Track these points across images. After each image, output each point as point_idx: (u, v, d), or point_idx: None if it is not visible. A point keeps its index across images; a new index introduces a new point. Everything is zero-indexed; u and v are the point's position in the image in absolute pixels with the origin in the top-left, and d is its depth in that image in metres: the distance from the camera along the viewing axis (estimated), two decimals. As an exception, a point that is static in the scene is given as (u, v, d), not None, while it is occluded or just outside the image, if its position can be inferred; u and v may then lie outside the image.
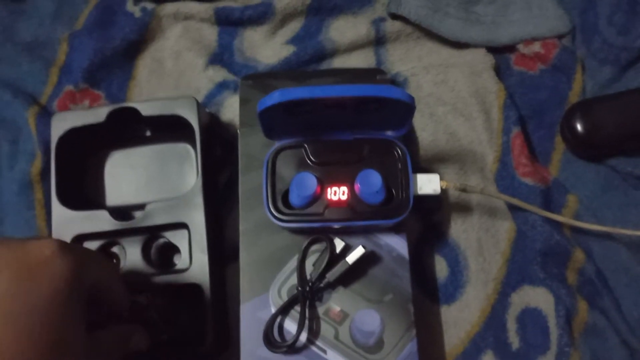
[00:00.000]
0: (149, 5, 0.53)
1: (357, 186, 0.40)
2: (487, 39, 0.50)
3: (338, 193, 0.40)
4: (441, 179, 0.41)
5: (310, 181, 0.40)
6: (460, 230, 0.46)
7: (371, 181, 0.39)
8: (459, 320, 0.45)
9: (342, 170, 0.41)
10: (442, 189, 0.41)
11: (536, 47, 0.50)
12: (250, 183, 0.44)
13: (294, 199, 0.40)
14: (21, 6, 0.55)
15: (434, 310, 0.45)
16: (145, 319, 0.40)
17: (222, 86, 0.51)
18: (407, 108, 0.37)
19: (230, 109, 0.51)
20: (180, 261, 0.45)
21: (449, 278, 0.46)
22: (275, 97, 0.36)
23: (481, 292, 0.45)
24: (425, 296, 0.45)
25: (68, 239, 0.43)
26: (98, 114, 0.44)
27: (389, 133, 0.41)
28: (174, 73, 0.52)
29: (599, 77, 0.49)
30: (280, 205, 0.40)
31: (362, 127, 0.41)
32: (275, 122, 0.39)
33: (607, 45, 0.49)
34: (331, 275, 0.40)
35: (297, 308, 0.41)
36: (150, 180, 0.48)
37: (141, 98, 0.51)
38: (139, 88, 0.52)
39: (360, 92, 0.36)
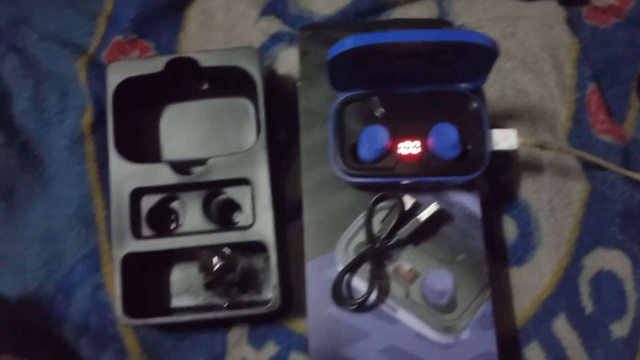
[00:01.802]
0: (198, -46, 0.51)
1: (430, 140, 0.38)
2: (560, -11, 0.47)
3: (410, 147, 0.38)
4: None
5: (381, 134, 0.38)
6: (531, 190, 0.44)
7: (447, 135, 0.37)
8: (530, 283, 0.43)
9: (414, 123, 0.38)
10: (518, 145, 0.39)
11: (611, -2, 0.47)
12: (312, 139, 0.42)
13: (364, 152, 0.38)
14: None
15: (503, 273, 0.43)
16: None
17: (275, 38, 0.49)
18: (489, 55, 0.35)
19: (285, 62, 0.49)
20: (243, 218, 0.43)
21: (518, 240, 0.44)
22: (348, 43, 0.34)
23: (553, 254, 0.43)
24: (494, 258, 0.44)
25: (127, 193, 0.41)
26: (156, 64, 0.43)
27: (463, 85, 0.39)
28: (224, 25, 0.50)
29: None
30: (348, 159, 0.38)
31: (434, 79, 0.39)
32: (343, 72, 0.37)
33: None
34: (402, 233, 0.39)
35: (365, 266, 0.39)
36: (206, 135, 0.46)
37: (191, 50, 0.49)
38: (188, 40, 0.50)
39: (440, 37, 0.33)
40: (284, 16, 0.50)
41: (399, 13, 0.49)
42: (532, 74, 0.46)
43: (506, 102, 0.46)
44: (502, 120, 0.46)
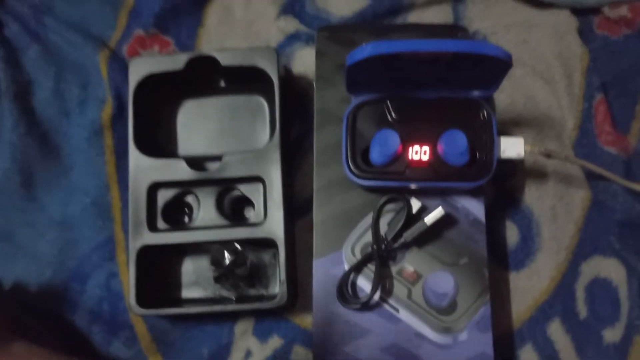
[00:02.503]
0: (218, -50, 0.52)
1: (440, 146, 0.39)
2: (573, 0, 0.48)
3: (420, 152, 0.39)
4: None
5: (393, 138, 0.39)
6: (534, 196, 0.46)
7: (456, 142, 0.39)
8: (528, 287, 0.44)
9: (424, 129, 0.40)
10: (525, 153, 0.40)
11: (623, 10, 0.48)
12: (326, 139, 0.43)
13: (375, 156, 0.39)
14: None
15: (503, 276, 0.45)
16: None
17: (293, 37, 0.50)
18: (502, 66, 0.36)
19: (301, 62, 0.50)
20: (254, 214, 0.45)
21: (519, 244, 0.45)
22: (367, 50, 0.35)
23: (552, 260, 0.44)
24: (494, 261, 0.45)
25: (144, 186, 0.43)
26: (177, 61, 0.44)
27: (475, 93, 0.40)
28: (243, 22, 0.51)
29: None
30: (360, 162, 0.40)
31: (447, 85, 0.40)
32: (359, 76, 0.38)
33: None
34: (408, 236, 0.40)
35: (371, 266, 0.41)
36: (221, 131, 0.47)
37: (210, 46, 0.51)
38: (207, 36, 0.51)
39: (458, 48, 0.34)
40: (301, 16, 0.50)
41: (414, 16, 0.50)
42: (542, 82, 0.47)
43: (515, 108, 0.47)
44: (510, 126, 0.47)
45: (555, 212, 0.45)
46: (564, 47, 0.47)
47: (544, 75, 0.47)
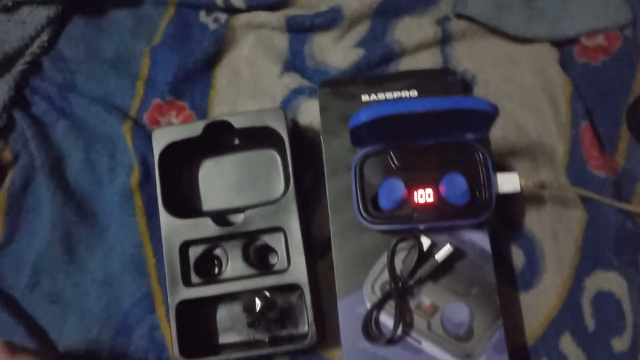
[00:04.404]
0: (222, 17, 0.56)
1: (442, 188, 0.43)
2: (551, 34, 0.52)
3: (424, 195, 0.43)
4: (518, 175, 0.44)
5: (398, 186, 0.43)
6: (534, 220, 0.49)
7: (457, 184, 0.42)
8: (538, 305, 0.48)
9: (426, 173, 0.44)
10: (521, 187, 0.44)
11: (599, 39, 0.52)
12: (337, 187, 0.48)
13: (384, 203, 0.43)
14: (100, 23, 0.58)
15: (513, 297, 0.48)
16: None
17: (297, 92, 0.54)
18: (491, 116, 0.40)
19: (307, 113, 0.54)
20: (278, 262, 0.49)
21: (525, 267, 0.49)
22: (365, 115, 0.39)
23: (557, 278, 0.48)
24: (504, 284, 0.49)
25: (177, 246, 0.47)
26: (195, 128, 0.48)
27: (469, 136, 0.44)
28: (250, 81, 0.55)
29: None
30: (370, 208, 0.44)
31: (443, 131, 0.44)
32: (362, 133, 0.42)
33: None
34: (422, 273, 0.44)
35: (391, 302, 0.45)
36: (240, 185, 0.51)
37: (221, 106, 0.55)
38: (219, 97, 0.55)
39: (447, 105, 0.39)
40: (302, 71, 0.55)
41: (406, 61, 0.54)
42: (531, 113, 0.51)
43: (509, 140, 0.51)
44: (506, 156, 0.51)
45: (555, 233, 0.49)
46: (547, 79, 0.51)
47: (532, 106, 0.51)
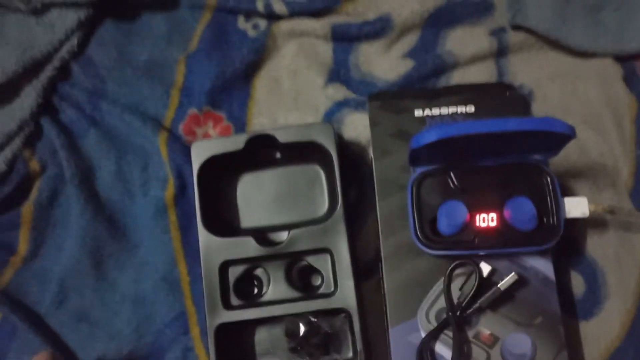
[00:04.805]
0: (261, 23, 0.53)
1: (507, 212, 0.40)
2: (615, 47, 0.49)
3: (487, 220, 0.40)
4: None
5: (460, 210, 0.40)
6: (596, 245, 0.46)
7: (524, 209, 0.40)
8: (599, 335, 0.45)
9: (489, 196, 0.41)
10: (590, 212, 0.41)
11: (663, 53, 0.49)
12: (389, 208, 0.45)
13: (444, 227, 0.41)
14: (133, 27, 0.55)
15: (573, 325, 0.45)
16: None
17: (341, 104, 0.51)
18: (566, 138, 0.37)
19: (352, 127, 0.51)
20: (324, 285, 0.46)
21: (586, 294, 0.46)
22: (434, 135, 0.36)
23: (621, 306, 0.45)
24: (563, 311, 0.45)
25: (216, 266, 0.44)
26: (237, 142, 0.45)
27: (535, 157, 0.41)
28: (291, 92, 0.52)
29: None
30: (428, 232, 0.41)
31: (507, 151, 0.41)
32: (422, 153, 0.40)
33: None
34: (483, 302, 0.41)
35: (447, 332, 0.42)
36: (280, 201, 0.49)
37: (261, 118, 0.52)
38: (258, 108, 0.52)
39: (522, 127, 0.36)
40: (348, 82, 0.52)
41: (459, 74, 0.51)
42: (593, 131, 0.48)
43: (569, 160, 0.48)
44: (565, 177, 0.48)
45: (619, 258, 0.46)
46: (612, 96, 0.48)
47: (594, 124, 0.48)
